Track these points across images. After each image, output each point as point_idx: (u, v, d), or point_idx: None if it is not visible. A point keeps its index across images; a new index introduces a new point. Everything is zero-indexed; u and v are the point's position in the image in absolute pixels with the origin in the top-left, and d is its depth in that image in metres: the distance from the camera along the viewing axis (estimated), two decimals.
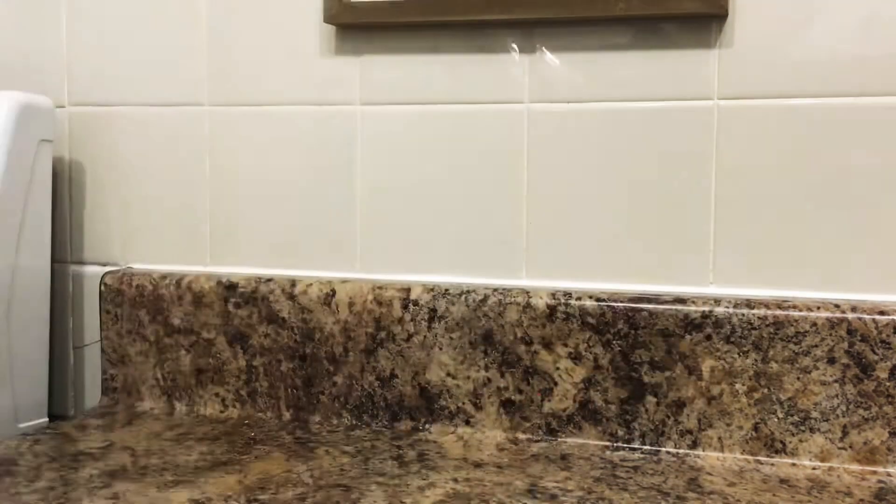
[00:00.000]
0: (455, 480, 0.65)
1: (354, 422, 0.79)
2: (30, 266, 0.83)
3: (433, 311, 0.77)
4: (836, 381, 0.68)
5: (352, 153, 0.83)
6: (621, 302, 0.73)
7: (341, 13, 0.79)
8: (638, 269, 0.76)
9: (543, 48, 0.77)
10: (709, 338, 0.71)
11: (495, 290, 0.76)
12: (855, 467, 0.68)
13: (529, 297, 0.75)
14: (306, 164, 0.84)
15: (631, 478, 0.66)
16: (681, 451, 0.71)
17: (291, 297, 0.80)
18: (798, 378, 0.69)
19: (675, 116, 0.75)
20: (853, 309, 0.68)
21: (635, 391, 0.72)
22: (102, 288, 0.86)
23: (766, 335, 0.69)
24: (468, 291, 0.76)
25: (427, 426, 0.77)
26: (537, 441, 0.74)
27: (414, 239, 0.82)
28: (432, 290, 0.77)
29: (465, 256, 0.80)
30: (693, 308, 0.71)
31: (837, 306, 0.69)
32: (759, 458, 0.70)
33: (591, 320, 0.73)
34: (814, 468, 0.68)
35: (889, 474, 0.67)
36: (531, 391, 0.75)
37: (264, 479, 0.65)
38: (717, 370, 0.71)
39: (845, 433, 0.68)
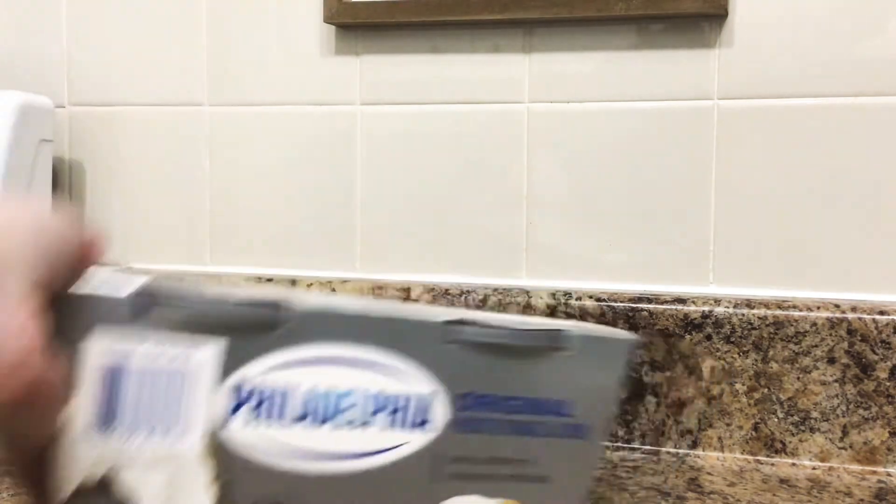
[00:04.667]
0: None
1: None
2: None
3: None
4: (836, 381, 0.68)
5: (352, 153, 0.83)
6: (621, 302, 0.73)
7: (341, 13, 0.79)
8: (638, 269, 0.76)
9: (543, 48, 0.77)
10: (709, 338, 0.71)
11: (495, 290, 0.76)
12: (855, 467, 0.68)
13: (529, 297, 0.75)
14: (306, 164, 0.84)
15: (631, 478, 0.66)
16: (681, 451, 0.71)
17: None
18: (798, 378, 0.69)
19: (675, 116, 0.75)
20: (853, 309, 0.68)
21: (635, 391, 0.72)
22: None
23: (766, 335, 0.69)
24: (468, 291, 0.76)
25: None
26: None
27: (414, 239, 0.82)
28: (432, 290, 0.77)
29: (465, 256, 0.80)
30: (693, 308, 0.71)
31: (837, 306, 0.69)
32: (759, 458, 0.70)
33: (591, 320, 0.73)
34: (814, 468, 0.68)
35: (889, 474, 0.67)
36: None
37: None
38: (717, 370, 0.71)
39: (845, 433, 0.68)
